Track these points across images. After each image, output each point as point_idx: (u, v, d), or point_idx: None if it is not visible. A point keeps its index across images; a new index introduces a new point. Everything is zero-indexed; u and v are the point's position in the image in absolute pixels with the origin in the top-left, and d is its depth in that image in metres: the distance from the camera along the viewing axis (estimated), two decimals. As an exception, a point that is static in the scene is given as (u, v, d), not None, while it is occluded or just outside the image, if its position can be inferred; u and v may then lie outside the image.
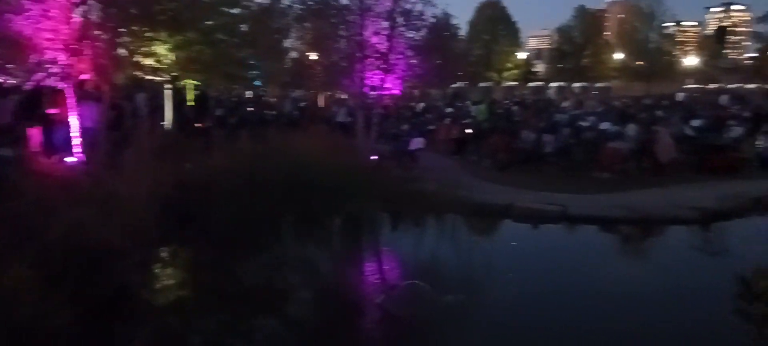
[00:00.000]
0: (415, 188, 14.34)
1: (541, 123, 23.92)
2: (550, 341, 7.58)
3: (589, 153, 18.31)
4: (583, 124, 23.92)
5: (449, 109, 31.87)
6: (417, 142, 18.97)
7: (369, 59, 17.28)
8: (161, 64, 16.29)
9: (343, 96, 36.31)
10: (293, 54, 35.75)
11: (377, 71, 17.40)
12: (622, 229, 13.24)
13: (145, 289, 9.02)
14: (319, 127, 21.89)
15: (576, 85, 62.76)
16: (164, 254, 10.72)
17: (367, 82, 17.52)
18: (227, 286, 9.39)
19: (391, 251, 12.17)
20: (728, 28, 67.16)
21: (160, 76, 17.47)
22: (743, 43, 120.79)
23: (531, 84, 65.30)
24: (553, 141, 19.86)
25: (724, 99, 36.68)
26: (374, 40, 17.30)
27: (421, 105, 33.50)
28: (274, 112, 28.49)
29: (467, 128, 23.25)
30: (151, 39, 15.29)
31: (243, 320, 8.35)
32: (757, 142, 19.56)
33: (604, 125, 22.76)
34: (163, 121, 18.40)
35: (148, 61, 15.74)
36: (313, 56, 24.84)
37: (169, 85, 18.33)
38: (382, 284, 9.88)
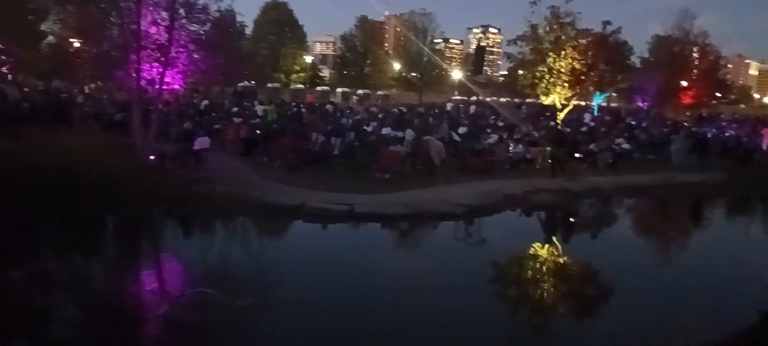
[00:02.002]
0: (202, 190, 13.63)
1: (329, 126, 24.69)
2: (338, 335, 7.84)
3: (371, 155, 19.41)
4: (367, 128, 25.35)
5: (236, 109, 31.04)
6: (202, 142, 18.04)
7: (146, 51, 16.00)
8: None
9: (87, 87, 32.97)
10: (52, 39, 31.41)
11: (155, 64, 16.20)
12: (402, 224, 14.28)
13: None
14: (87, 123, 19.65)
15: (359, 91, 66.04)
16: None
17: (143, 75, 16.18)
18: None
19: (176, 257, 11.36)
20: (486, 48, 76.83)
21: None
22: (497, 62, 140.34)
23: (318, 88, 66.88)
24: (339, 144, 20.63)
25: (472, 109, 42.19)
26: (152, 30, 16.08)
27: (205, 102, 31.99)
28: (27, 105, 24.60)
29: (256, 129, 22.90)
30: None
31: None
32: (509, 147, 22.77)
33: (385, 130, 24.41)
34: None
35: None
36: (77, 44, 22.05)
37: None
38: (165, 294, 9.17)
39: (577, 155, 20.52)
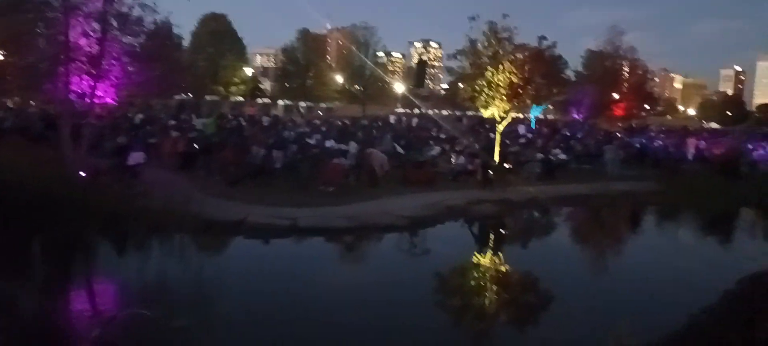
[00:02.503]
0: (137, 206, 13.08)
1: (270, 139, 24.33)
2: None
3: (314, 168, 19.22)
4: (310, 141, 25.14)
5: (173, 122, 30.11)
6: (136, 157, 17.35)
7: (75, 63, 15.30)
8: None
9: (11, 101, 31.18)
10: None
11: (86, 77, 15.51)
12: (346, 238, 14.19)
13: None
14: (11, 137, 18.65)
15: (302, 104, 65.56)
16: None
17: (73, 88, 15.47)
18: None
19: (111, 278, 10.83)
20: (427, 62, 78.07)
21: None
22: (439, 75, 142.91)
23: (259, 100, 65.95)
24: (281, 157, 20.33)
25: (414, 122, 42.75)
26: (82, 42, 15.40)
27: (140, 116, 30.85)
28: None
29: (194, 142, 22.26)
30: None
31: None
32: (451, 159, 23.10)
33: (328, 143, 24.28)
34: None
35: None
36: (0, 56, 20.81)
37: None
38: (97, 316, 8.72)
39: (506, 165, 20.99)
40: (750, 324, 7.34)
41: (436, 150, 25.09)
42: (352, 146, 22.03)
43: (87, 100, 15.81)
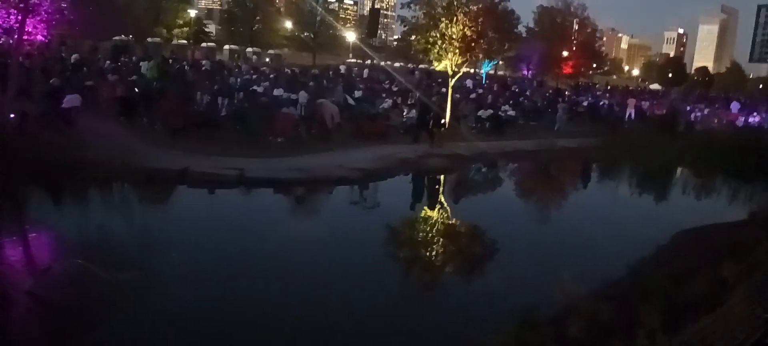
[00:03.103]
0: (74, 156, 12.26)
1: (215, 86, 23.45)
2: (223, 311, 7.44)
3: (263, 118, 18.64)
4: (257, 89, 24.37)
5: (111, 65, 28.49)
6: (71, 100, 16.26)
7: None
8: None
9: None
10: None
11: (13, 11, 14.30)
12: (296, 190, 13.92)
13: None
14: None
15: (249, 49, 63.45)
16: None
17: (-1, 23, 14.26)
18: None
19: (45, 230, 10.17)
20: (380, 10, 76.67)
21: None
22: (392, 26, 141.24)
23: (203, 44, 63.33)
24: (227, 105, 19.63)
25: (366, 72, 42.23)
26: (8, -27, 14.14)
27: (75, 56, 28.95)
28: None
29: (135, 87, 21.12)
30: None
31: None
32: (404, 113, 22.94)
33: (277, 91, 23.62)
34: None
35: None
36: None
37: None
38: (31, 269, 8.24)
39: (443, 122, 20.88)
40: (687, 277, 7.69)
41: (388, 103, 24.86)
42: (302, 96, 21.51)
43: (15, 36, 14.63)
